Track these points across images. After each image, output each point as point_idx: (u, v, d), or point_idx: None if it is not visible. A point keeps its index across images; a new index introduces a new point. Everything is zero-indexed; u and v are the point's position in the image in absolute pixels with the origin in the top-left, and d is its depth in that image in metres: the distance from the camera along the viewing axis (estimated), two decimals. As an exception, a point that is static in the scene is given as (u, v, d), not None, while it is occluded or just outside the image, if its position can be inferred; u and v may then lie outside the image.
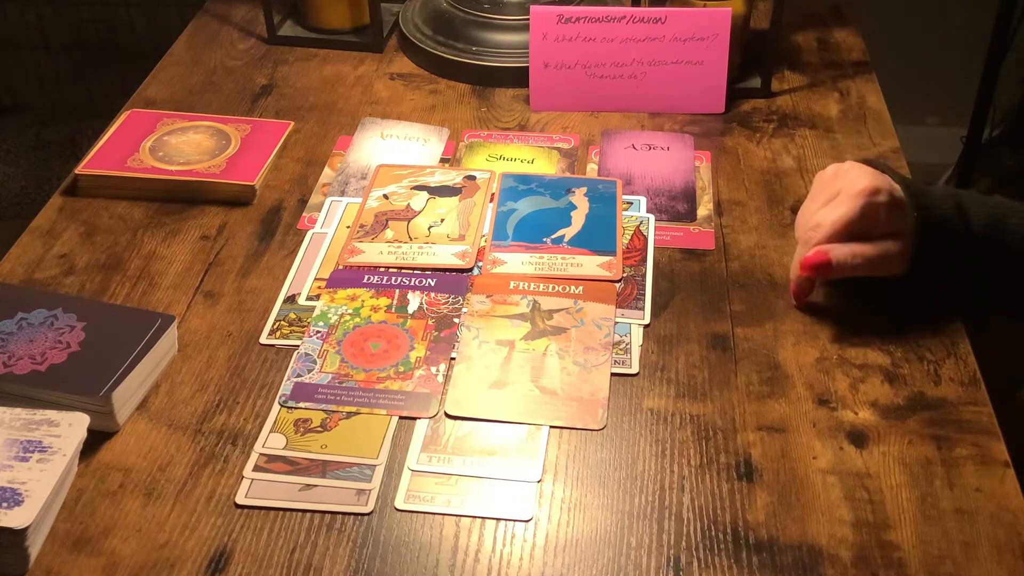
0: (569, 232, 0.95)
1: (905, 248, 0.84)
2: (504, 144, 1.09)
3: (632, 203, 1.00)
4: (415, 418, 0.79)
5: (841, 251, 0.83)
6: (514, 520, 0.72)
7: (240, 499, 0.73)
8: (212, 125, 1.10)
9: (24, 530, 0.67)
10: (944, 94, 2.19)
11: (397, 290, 0.90)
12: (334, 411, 0.79)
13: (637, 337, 0.85)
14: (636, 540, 0.70)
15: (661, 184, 1.03)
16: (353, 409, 0.79)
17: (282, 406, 0.80)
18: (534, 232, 0.95)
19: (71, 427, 0.73)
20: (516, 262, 0.92)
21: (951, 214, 0.84)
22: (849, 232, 0.83)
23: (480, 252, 0.94)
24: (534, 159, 1.07)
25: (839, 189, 0.84)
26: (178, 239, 0.97)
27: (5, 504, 0.68)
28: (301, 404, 0.80)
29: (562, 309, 0.87)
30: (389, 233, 0.96)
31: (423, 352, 0.84)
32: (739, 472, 0.75)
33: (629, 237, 0.95)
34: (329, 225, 0.98)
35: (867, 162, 0.88)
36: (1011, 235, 0.84)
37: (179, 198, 1.01)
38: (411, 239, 0.95)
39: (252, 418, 0.79)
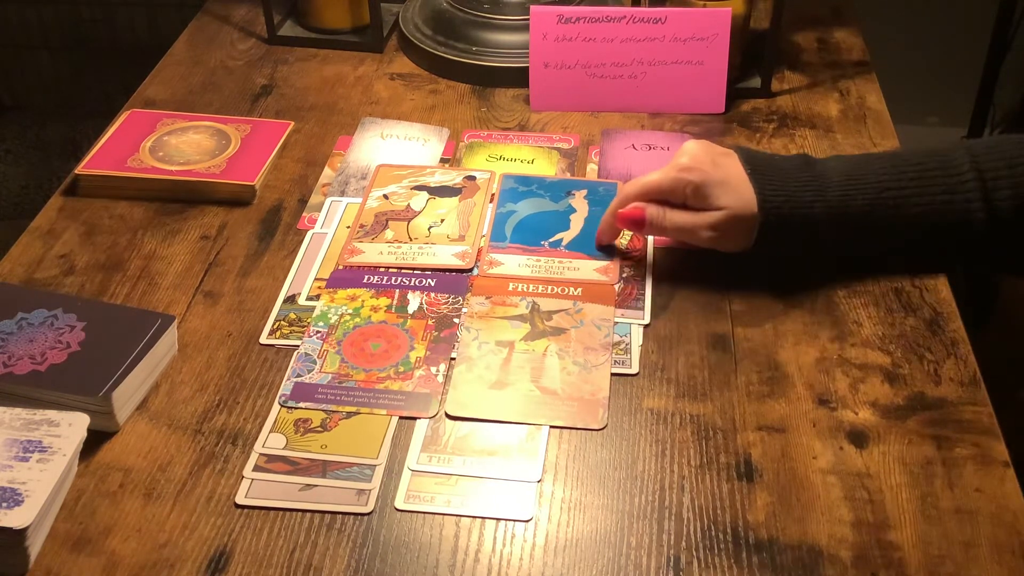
0: (567, 236, 0.95)
1: (721, 226, 0.86)
2: (504, 144, 1.09)
3: (632, 203, 1.00)
4: (415, 418, 0.79)
5: (654, 211, 0.88)
6: (514, 520, 0.72)
7: (240, 499, 0.73)
8: (212, 125, 1.10)
9: (24, 530, 0.67)
10: (944, 94, 2.19)
11: (397, 290, 0.90)
12: (334, 411, 0.79)
13: (637, 337, 0.85)
14: (636, 540, 0.70)
15: (661, 184, 1.03)
16: (353, 409, 0.79)
17: (282, 406, 0.80)
18: (532, 235, 0.95)
19: (71, 427, 0.73)
20: (513, 264, 0.92)
21: (808, 200, 0.86)
22: (656, 196, 0.89)
23: (479, 253, 0.94)
24: (534, 159, 1.07)
25: (672, 161, 0.90)
26: (178, 239, 0.97)
27: (5, 504, 0.68)
28: (301, 404, 0.80)
29: (561, 310, 0.87)
30: (389, 233, 0.96)
31: (423, 352, 0.84)
32: (739, 472, 0.75)
33: (629, 237, 0.95)
34: (329, 225, 0.98)
35: (740, 149, 0.90)
36: (892, 210, 0.86)
37: (179, 198, 1.01)
38: (411, 239, 0.95)
39: (252, 418, 0.79)
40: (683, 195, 0.87)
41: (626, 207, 0.89)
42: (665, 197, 0.88)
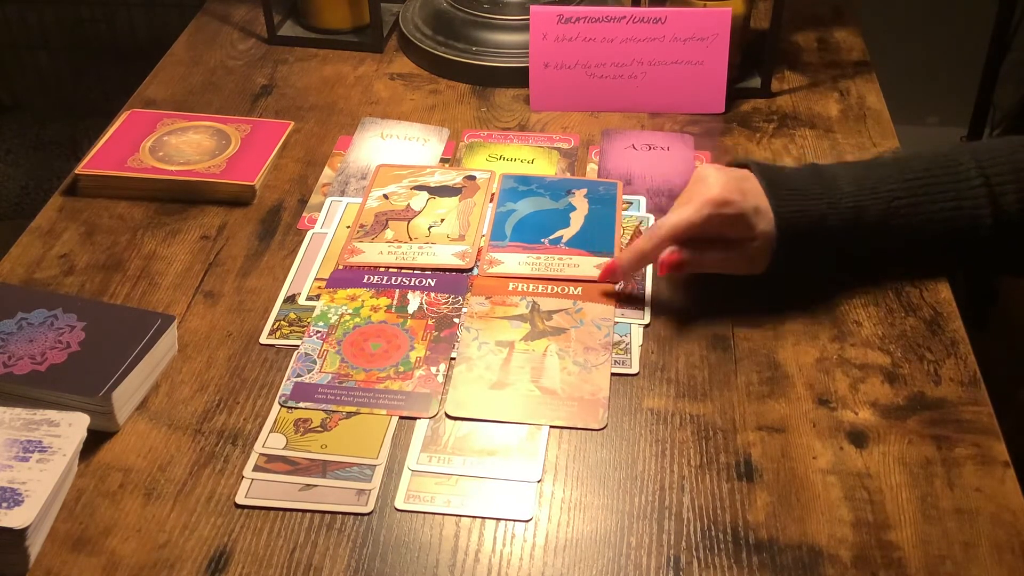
0: (567, 233, 0.95)
1: (755, 251, 0.85)
2: (504, 144, 1.09)
3: (632, 203, 1.00)
4: (415, 418, 0.79)
5: (689, 256, 0.85)
6: (514, 520, 0.72)
7: (240, 499, 0.73)
8: (212, 125, 1.10)
9: (24, 530, 0.67)
10: (944, 94, 2.19)
11: (397, 290, 0.90)
12: (334, 411, 0.79)
13: (637, 337, 0.85)
14: (636, 540, 0.70)
15: (661, 184, 1.03)
16: (353, 409, 0.79)
17: (282, 406, 0.80)
18: (532, 233, 0.95)
19: (71, 427, 0.73)
20: (513, 262, 0.92)
21: (822, 212, 0.85)
22: (688, 236, 0.84)
23: (479, 253, 0.94)
24: (534, 159, 1.07)
25: (693, 194, 0.85)
26: (178, 239, 0.97)
27: (5, 504, 0.68)
28: (301, 404, 0.80)
29: (561, 310, 0.87)
30: (389, 233, 0.96)
31: (423, 352, 0.84)
32: (739, 472, 0.75)
33: (629, 237, 0.95)
34: (329, 225, 0.98)
35: (739, 164, 0.88)
36: (904, 218, 0.85)
37: (179, 198, 1.01)
38: (411, 239, 0.95)
39: (252, 418, 0.79)
40: (719, 230, 0.84)
41: (663, 253, 0.85)
42: (699, 234, 0.85)
